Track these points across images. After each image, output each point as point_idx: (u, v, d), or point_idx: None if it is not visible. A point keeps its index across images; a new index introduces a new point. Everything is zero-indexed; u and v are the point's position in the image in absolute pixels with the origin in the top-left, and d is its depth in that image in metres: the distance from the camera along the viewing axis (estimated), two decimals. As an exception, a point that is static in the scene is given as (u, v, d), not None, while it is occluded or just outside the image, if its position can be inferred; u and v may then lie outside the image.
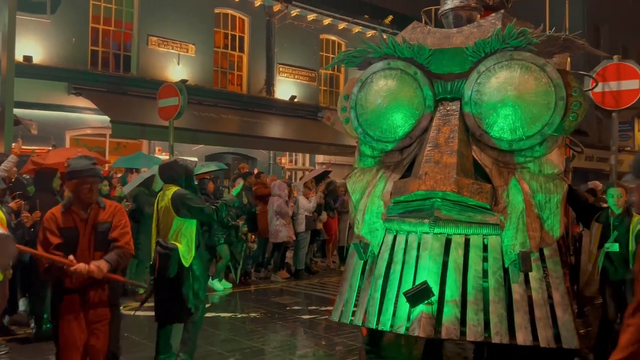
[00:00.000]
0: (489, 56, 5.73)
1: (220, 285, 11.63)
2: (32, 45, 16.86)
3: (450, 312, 5.19)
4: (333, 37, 22.75)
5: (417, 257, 5.39)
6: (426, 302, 5.10)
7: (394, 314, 5.34)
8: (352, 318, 5.70)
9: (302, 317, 9.85)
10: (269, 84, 21.35)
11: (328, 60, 22.93)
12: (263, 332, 8.62)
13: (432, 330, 5.15)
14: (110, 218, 4.62)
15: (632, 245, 6.23)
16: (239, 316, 9.79)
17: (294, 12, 21.42)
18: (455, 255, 5.37)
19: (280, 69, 21.62)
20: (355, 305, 5.72)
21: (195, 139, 17.33)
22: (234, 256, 12.03)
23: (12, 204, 7.51)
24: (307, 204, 12.94)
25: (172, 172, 6.29)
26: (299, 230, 12.86)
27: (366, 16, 22.75)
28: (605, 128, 11.50)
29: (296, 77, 22.06)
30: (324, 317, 9.43)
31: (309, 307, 10.66)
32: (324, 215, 13.61)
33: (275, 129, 20.11)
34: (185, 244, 5.86)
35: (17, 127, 13.16)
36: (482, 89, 5.73)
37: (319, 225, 13.61)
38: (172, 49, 19.27)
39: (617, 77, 9.49)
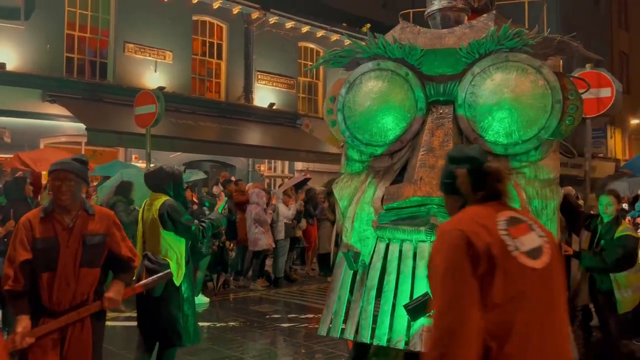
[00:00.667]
0: (483, 57, 5.39)
1: (204, 298, 11.39)
2: (6, 52, 16.49)
3: None
4: (311, 45, 22.56)
5: (414, 266, 5.01)
6: (427, 315, 4.72)
7: (390, 328, 4.94)
8: (343, 331, 5.26)
9: (282, 325, 9.75)
10: (248, 91, 21.11)
11: (309, 71, 22.74)
12: (242, 341, 8.50)
13: None
14: (104, 229, 4.00)
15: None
16: (217, 325, 9.58)
17: (272, 19, 21.25)
18: (454, 264, 5.01)
19: (259, 77, 21.37)
20: (346, 318, 5.28)
21: (173, 147, 16.98)
22: (213, 265, 11.74)
23: None
24: (286, 211, 12.70)
25: (158, 179, 5.83)
26: (278, 238, 12.62)
27: (344, 24, 22.51)
28: (579, 135, 11.37)
29: (275, 84, 21.86)
30: (303, 325, 9.42)
31: (289, 315, 10.56)
32: (303, 223, 13.42)
33: (253, 136, 19.79)
34: (175, 260, 5.37)
35: None
36: (477, 91, 5.39)
37: (299, 233, 13.42)
38: (149, 56, 18.94)
39: (597, 84, 9.35)
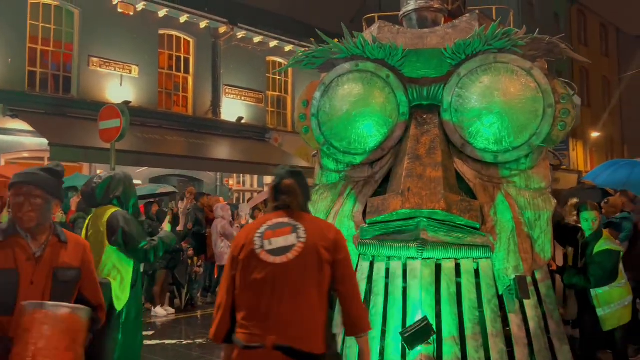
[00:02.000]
0: (470, 58, 4.79)
1: (163, 311, 10.62)
2: (-34, 66, 15.26)
3: (450, 352, 4.15)
4: (280, 59, 21.95)
5: (405, 287, 4.33)
6: (426, 342, 4.04)
7: (381, 355, 4.25)
8: None
9: None
10: (215, 105, 20.32)
11: (275, 82, 22.24)
12: (210, 358, 7.81)
13: None
14: (78, 262, 2.93)
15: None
16: (184, 343, 8.82)
17: (240, 34, 20.58)
18: (448, 283, 4.34)
19: (227, 91, 20.61)
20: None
21: (139, 162, 16.08)
22: (179, 280, 11.05)
23: None
24: (254, 223, 11.86)
25: (107, 190, 4.98)
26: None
27: (312, 39, 21.93)
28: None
29: (243, 98, 21.11)
30: None
31: None
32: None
33: (222, 150, 19.07)
34: (118, 281, 4.44)
35: None
36: (464, 94, 4.78)
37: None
38: (115, 69, 18.04)
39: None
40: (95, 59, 17.70)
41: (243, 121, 20.81)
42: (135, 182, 5.67)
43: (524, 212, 4.68)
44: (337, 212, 4.89)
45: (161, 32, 19.27)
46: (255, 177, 21.30)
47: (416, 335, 3.94)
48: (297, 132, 16.95)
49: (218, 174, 19.88)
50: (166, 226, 5.51)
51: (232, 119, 20.53)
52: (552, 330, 4.55)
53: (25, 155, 16.53)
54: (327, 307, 2.99)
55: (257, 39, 21.00)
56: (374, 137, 4.91)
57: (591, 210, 5.59)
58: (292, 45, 21.69)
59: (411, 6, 5.62)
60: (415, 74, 4.93)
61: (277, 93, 22.38)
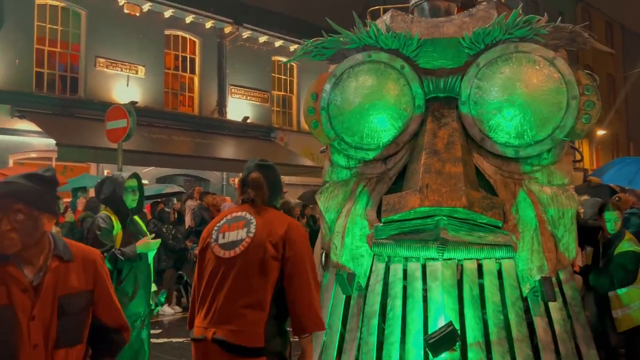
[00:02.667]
0: (490, 48, 4.46)
1: (170, 310, 10.70)
2: (-29, 66, 15.09)
3: (475, 358, 3.83)
4: (285, 59, 21.64)
5: (425, 289, 4.01)
6: (452, 348, 3.74)
7: (402, 364, 3.94)
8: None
9: None
10: (221, 105, 20.15)
11: (280, 82, 22.02)
12: None
13: None
14: (89, 282, 2.31)
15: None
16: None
17: (246, 34, 20.42)
18: (470, 285, 4.02)
19: (233, 90, 20.44)
20: (339, 352, 4.25)
21: (146, 161, 15.94)
22: (186, 279, 11.04)
23: None
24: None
25: (99, 192, 4.80)
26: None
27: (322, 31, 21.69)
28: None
29: (248, 98, 20.94)
30: None
31: None
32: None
33: (228, 150, 18.87)
34: None
35: None
36: (484, 85, 4.44)
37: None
38: (121, 70, 17.96)
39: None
40: (101, 60, 17.61)
41: (249, 121, 20.63)
42: (143, 182, 5.40)
43: (547, 209, 4.36)
44: (349, 210, 4.56)
45: (167, 32, 19.13)
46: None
47: (441, 341, 3.63)
48: (302, 131, 16.75)
49: (224, 173, 19.75)
50: (147, 238, 4.78)
51: (238, 118, 20.36)
52: (579, 334, 4.24)
53: (33, 155, 16.40)
54: (271, 303, 2.90)
55: (262, 38, 20.86)
56: (387, 131, 4.57)
57: (614, 210, 5.32)
58: (297, 45, 21.42)
59: None
60: (431, 65, 4.60)
61: (282, 92, 22.19)
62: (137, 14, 18.18)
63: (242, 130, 20.29)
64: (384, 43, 4.59)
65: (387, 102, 4.57)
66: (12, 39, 15.91)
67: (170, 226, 11.07)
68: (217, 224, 3.08)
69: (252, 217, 2.99)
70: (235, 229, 2.98)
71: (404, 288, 4.09)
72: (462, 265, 4.07)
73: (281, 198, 3.49)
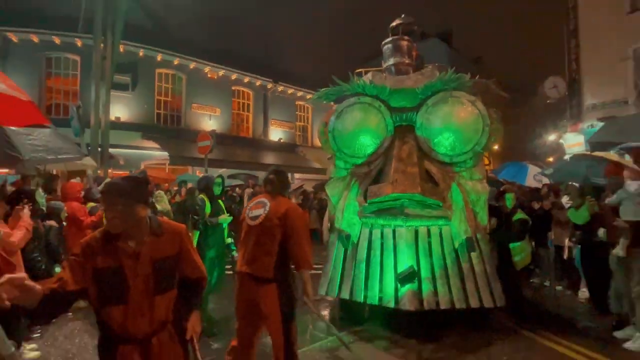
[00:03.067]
0: (434, 94, 4.24)
1: None
2: (120, 110, 14.99)
3: (427, 288, 3.64)
4: (304, 104, 21.49)
5: (395, 244, 3.79)
6: (413, 282, 3.52)
7: (380, 291, 3.72)
8: (340, 293, 4.01)
9: None
10: (265, 131, 19.74)
11: (302, 118, 21.58)
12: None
13: (418, 304, 3.56)
14: (175, 249, 2.02)
15: None
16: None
17: (280, 88, 19.95)
18: (423, 242, 3.80)
19: (272, 122, 20.02)
20: (341, 283, 4.04)
21: (221, 165, 15.61)
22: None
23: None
24: (290, 202, 11.31)
25: (199, 183, 4.60)
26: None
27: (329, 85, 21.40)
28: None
29: (281, 127, 20.46)
30: None
31: None
32: (299, 210, 11.99)
33: (269, 158, 18.50)
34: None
35: (112, 160, 11.79)
36: (430, 117, 4.23)
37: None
38: (206, 111, 17.56)
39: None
40: (195, 105, 17.25)
41: (282, 140, 20.16)
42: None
43: (470, 195, 4.14)
44: (346, 196, 4.36)
45: (233, 88, 18.72)
46: (289, 174, 20.67)
47: (406, 278, 3.43)
48: (314, 147, 16.24)
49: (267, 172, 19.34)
50: (225, 215, 4.45)
51: (275, 139, 19.97)
52: (489, 272, 4.00)
53: (154, 162, 16.06)
54: (277, 252, 2.79)
55: (290, 90, 20.30)
56: (370, 146, 4.37)
57: (511, 193, 5.04)
58: (311, 93, 21.11)
59: (391, 62, 5.04)
60: (397, 105, 4.38)
61: (302, 123, 21.59)
62: (215, 77, 17.81)
63: (277, 146, 19.87)
64: (368, 91, 4.37)
65: (370, 128, 4.36)
66: (142, 93, 15.70)
67: (235, 205, 10.80)
68: (249, 205, 3.01)
69: (267, 202, 2.91)
70: (257, 208, 2.91)
71: (381, 245, 3.88)
72: (417, 230, 3.85)
73: (288, 190, 3.26)
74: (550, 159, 16.90)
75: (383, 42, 5.12)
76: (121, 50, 12.85)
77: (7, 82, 2.48)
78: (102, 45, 10.25)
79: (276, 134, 20.21)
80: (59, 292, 1.72)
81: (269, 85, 19.67)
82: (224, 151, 16.57)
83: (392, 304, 3.60)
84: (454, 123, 4.12)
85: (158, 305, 1.90)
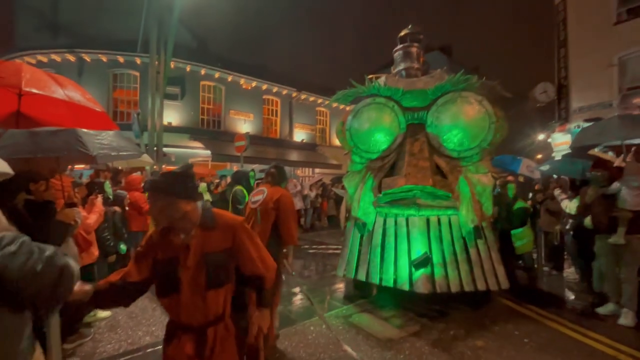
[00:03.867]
0: (444, 95, 3.84)
1: None
2: (172, 116, 14.93)
3: (439, 272, 3.29)
4: (323, 109, 20.92)
5: (408, 232, 3.46)
6: (427, 268, 3.19)
7: (395, 274, 3.40)
8: (356, 274, 3.71)
9: (309, 251, 7.04)
10: (291, 132, 19.37)
11: (321, 122, 21.10)
12: None
13: (431, 287, 3.23)
14: (228, 242, 1.63)
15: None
16: None
17: (303, 96, 19.49)
18: (435, 230, 3.45)
19: (296, 125, 19.61)
20: (357, 265, 3.73)
21: (254, 162, 15.42)
22: None
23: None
24: (312, 194, 11.05)
25: (236, 176, 4.37)
26: (307, 207, 10.91)
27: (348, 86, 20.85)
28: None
29: (304, 129, 20.05)
30: (320, 250, 6.84)
31: (312, 246, 7.71)
32: (319, 200, 11.73)
33: (294, 155, 18.17)
34: None
35: (165, 157, 11.88)
36: (440, 116, 3.83)
37: (317, 205, 11.72)
38: (241, 117, 17.33)
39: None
40: (232, 111, 17.04)
41: (304, 141, 19.78)
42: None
43: (476, 187, 3.74)
44: (362, 187, 4.03)
45: (264, 97, 18.42)
46: (310, 169, 20.22)
47: (421, 263, 3.10)
48: (332, 146, 15.80)
49: (292, 168, 19.09)
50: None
51: (299, 139, 19.64)
52: (494, 257, 3.63)
53: (200, 159, 16.04)
54: (270, 231, 2.81)
55: (311, 98, 19.79)
56: (384, 142, 4.01)
57: (512, 184, 4.60)
58: (328, 99, 20.69)
59: (402, 67, 4.64)
60: (409, 105, 4.00)
61: (321, 126, 21.02)
62: (249, 88, 17.58)
63: (301, 146, 19.46)
64: (383, 92, 4.01)
65: (384, 126, 4.00)
66: (189, 102, 15.61)
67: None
68: (253, 192, 3.02)
69: (265, 190, 2.94)
70: (257, 195, 2.94)
71: (395, 232, 3.54)
72: (428, 219, 3.49)
73: (286, 181, 3.17)
74: (539, 156, 16.10)
75: (394, 49, 4.73)
76: (172, 66, 12.83)
77: (86, 95, 2.51)
78: (156, 62, 10.32)
79: (299, 135, 19.86)
80: (118, 285, 1.58)
81: (294, 94, 19.31)
82: (256, 150, 16.41)
83: (406, 287, 3.29)
84: (462, 121, 3.72)
85: (211, 299, 1.59)
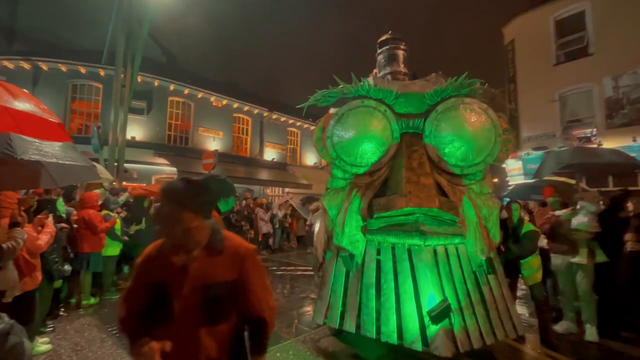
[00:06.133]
0: (444, 100, 3.10)
1: None
2: (136, 130, 13.47)
3: (456, 322, 2.40)
4: (294, 129, 20.09)
5: (412, 267, 2.52)
6: (448, 319, 2.24)
7: (400, 327, 2.42)
8: (342, 323, 2.67)
9: (276, 273, 6.29)
10: (261, 151, 18.29)
11: (293, 141, 20.19)
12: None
13: (453, 347, 2.28)
14: (233, 274, 1.20)
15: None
16: None
17: (275, 115, 18.66)
18: (444, 264, 2.56)
19: (267, 144, 18.61)
20: (343, 311, 2.71)
21: (222, 180, 14.13)
22: None
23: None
24: (280, 213, 9.99)
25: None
26: (276, 227, 9.81)
27: (310, 119, 20.12)
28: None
29: (274, 148, 19.05)
30: (289, 272, 6.15)
31: (280, 267, 7.07)
32: (288, 219, 10.66)
33: (263, 174, 17.07)
34: None
35: (126, 173, 10.43)
36: (440, 125, 3.08)
37: (286, 225, 10.62)
38: (210, 134, 16.13)
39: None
40: (201, 128, 15.85)
41: (274, 160, 18.80)
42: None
43: (481, 210, 2.98)
44: (347, 208, 3.12)
45: (234, 115, 17.40)
46: (280, 189, 19.15)
47: (440, 314, 2.18)
48: (302, 165, 14.84)
49: (262, 186, 17.91)
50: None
51: (269, 159, 18.63)
52: (506, 295, 2.84)
53: (164, 176, 14.56)
54: None
55: (283, 118, 19.02)
56: (374, 154, 3.17)
57: (516, 204, 3.87)
58: (301, 122, 19.92)
59: (387, 70, 3.95)
60: (402, 110, 3.24)
61: (291, 145, 20.16)
62: (220, 105, 16.53)
63: (271, 165, 18.46)
64: (373, 94, 3.20)
65: (374, 134, 3.17)
66: (155, 117, 14.29)
67: (235, 213, 9.36)
68: None
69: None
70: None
71: (394, 266, 2.60)
72: (435, 250, 2.60)
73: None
74: (495, 180, 16.44)
75: (377, 52, 4.00)
76: (139, 80, 11.56)
77: (40, 105, 2.27)
78: (122, 75, 9.18)
79: (270, 154, 18.90)
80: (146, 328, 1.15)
81: (265, 113, 18.48)
82: (225, 168, 15.16)
83: (418, 346, 2.34)
84: (466, 131, 2.99)
85: (205, 338, 1.18)
